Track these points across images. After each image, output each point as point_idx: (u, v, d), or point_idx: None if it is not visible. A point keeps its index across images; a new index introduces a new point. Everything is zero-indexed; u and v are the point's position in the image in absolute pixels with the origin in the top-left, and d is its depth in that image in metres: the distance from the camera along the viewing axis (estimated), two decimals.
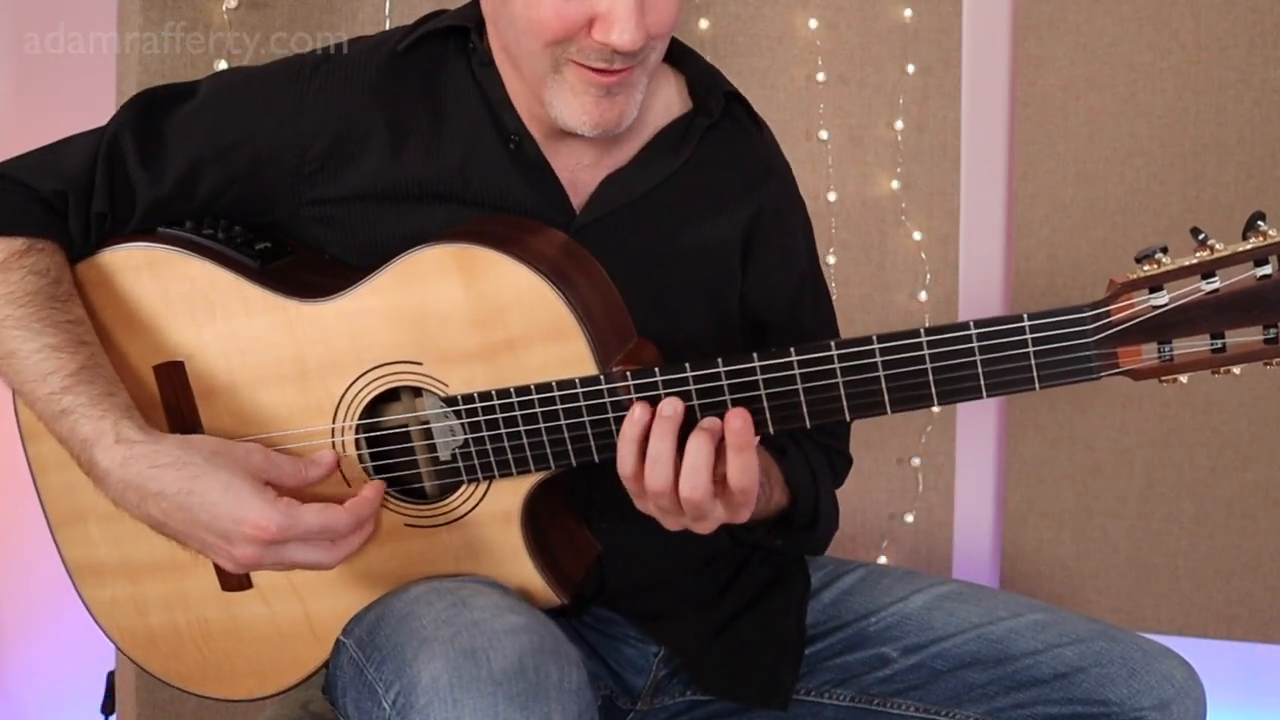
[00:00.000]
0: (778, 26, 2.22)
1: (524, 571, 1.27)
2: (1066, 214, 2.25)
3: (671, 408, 1.16)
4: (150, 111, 1.34)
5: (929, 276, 2.28)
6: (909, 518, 2.32)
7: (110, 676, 2.09)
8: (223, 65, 1.97)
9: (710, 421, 1.16)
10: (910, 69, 2.24)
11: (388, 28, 2.01)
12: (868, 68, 2.24)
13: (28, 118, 2.14)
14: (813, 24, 2.22)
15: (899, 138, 2.26)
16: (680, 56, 1.41)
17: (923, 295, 2.28)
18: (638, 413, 1.16)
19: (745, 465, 1.15)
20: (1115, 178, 2.22)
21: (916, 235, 2.27)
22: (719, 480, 1.16)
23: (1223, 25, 2.16)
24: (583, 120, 1.26)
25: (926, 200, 2.27)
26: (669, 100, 1.39)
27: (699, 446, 1.15)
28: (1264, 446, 2.22)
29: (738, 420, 1.14)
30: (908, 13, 2.23)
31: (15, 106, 2.15)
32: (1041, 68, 2.23)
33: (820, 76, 2.23)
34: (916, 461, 2.31)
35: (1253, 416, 2.21)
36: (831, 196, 2.25)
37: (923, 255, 2.28)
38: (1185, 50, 2.17)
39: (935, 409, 2.28)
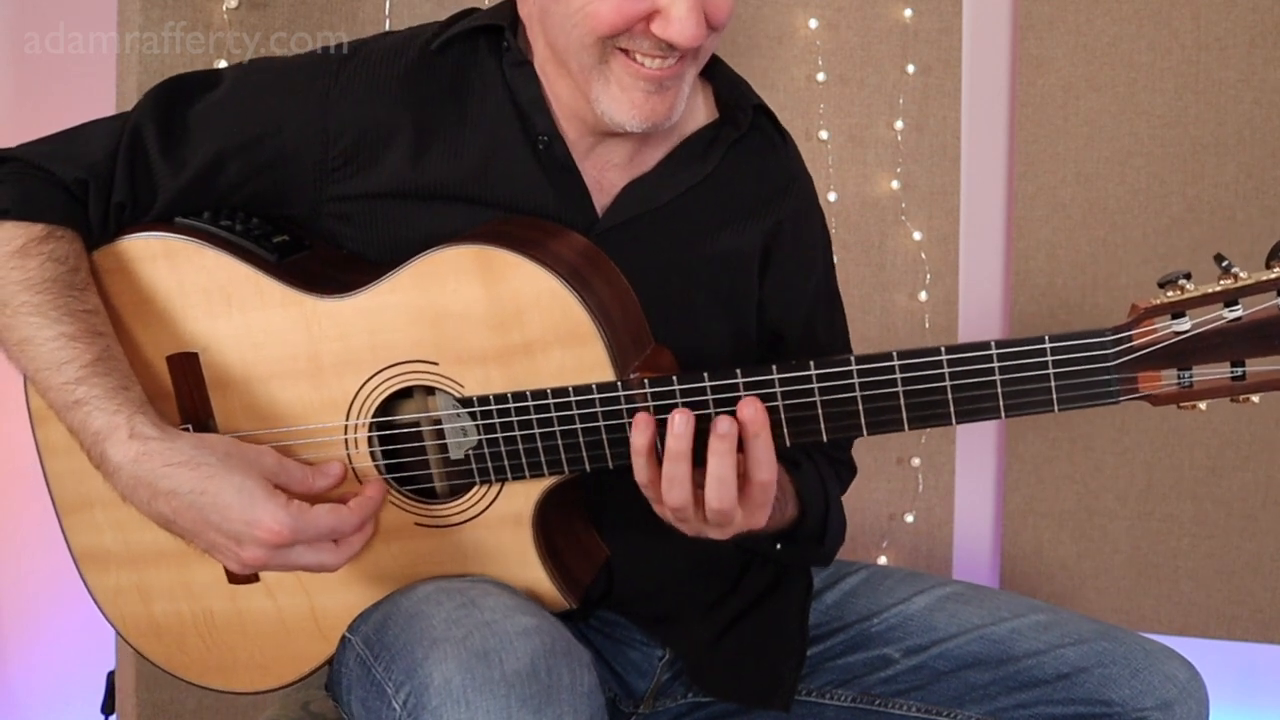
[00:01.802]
0: (778, 26, 2.22)
1: (533, 574, 1.27)
2: (1066, 214, 2.25)
3: (682, 427, 1.14)
4: (174, 101, 1.32)
5: (929, 276, 2.28)
6: (909, 518, 2.32)
7: (110, 676, 2.08)
8: (223, 65, 1.96)
9: (725, 425, 1.14)
10: (910, 69, 2.24)
11: (387, 28, 2.01)
12: (868, 68, 2.24)
13: (28, 118, 2.14)
14: (813, 24, 2.22)
15: (899, 138, 2.26)
16: (709, 64, 1.39)
17: (923, 295, 2.28)
18: (644, 424, 1.16)
19: (765, 454, 1.14)
20: (1115, 178, 2.22)
21: (916, 235, 2.27)
22: (740, 476, 1.16)
23: (1223, 25, 2.16)
24: (631, 115, 1.25)
25: (926, 200, 2.27)
26: (695, 108, 1.38)
27: (720, 458, 1.14)
28: (1264, 446, 2.22)
29: (749, 409, 1.13)
30: (908, 13, 2.23)
31: (15, 106, 2.14)
32: (1041, 68, 2.23)
33: (820, 76, 2.23)
34: (916, 461, 2.31)
35: (1253, 416, 2.21)
36: (831, 196, 2.25)
37: (923, 255, 2.28)
38: (1185, 50, 2.18)
39: None
